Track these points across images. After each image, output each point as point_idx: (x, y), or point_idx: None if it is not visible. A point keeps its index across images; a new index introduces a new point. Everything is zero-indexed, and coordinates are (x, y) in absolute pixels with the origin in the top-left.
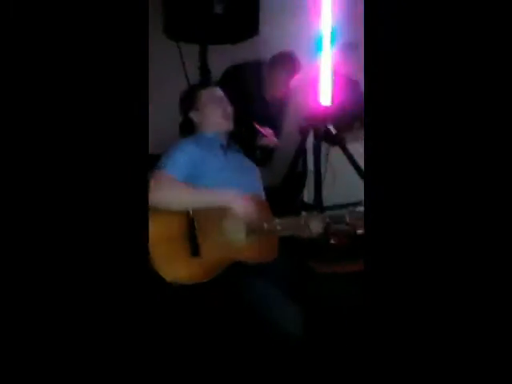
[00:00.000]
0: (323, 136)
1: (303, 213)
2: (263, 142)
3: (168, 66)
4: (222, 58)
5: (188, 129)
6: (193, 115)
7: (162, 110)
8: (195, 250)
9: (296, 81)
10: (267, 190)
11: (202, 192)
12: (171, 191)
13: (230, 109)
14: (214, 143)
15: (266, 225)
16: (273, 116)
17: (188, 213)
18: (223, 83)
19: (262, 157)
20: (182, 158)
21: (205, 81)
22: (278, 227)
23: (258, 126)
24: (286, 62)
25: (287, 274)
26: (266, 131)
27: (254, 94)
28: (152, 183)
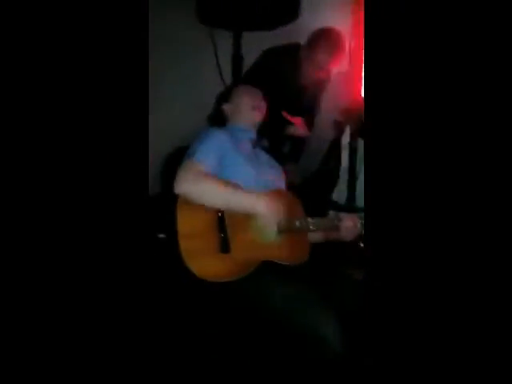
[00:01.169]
0: (360, 131)
1: (331, 212)
2: (293, 131)
3: (200, 54)
4: (257, 45)
5: (218, 121)
6: (225, 107)
7: (193, 100)
8: (225, 247)
9: (335, 68)
10: (295, 186)
11: (233, 192)
12: (203, 185)
13: (262, 100)
14: (244, 136)
15: (297, 222)
16: (307, 104)
17: (218, 208)
18: (258, 67)
19: (291, 150)
20: (214, 146)
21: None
22: (311, 226)
23: (287, 115)
24: (329, 38)
25: (321, 279)
26: (296, 120)
27: (290, 80)
28: (183, 173)
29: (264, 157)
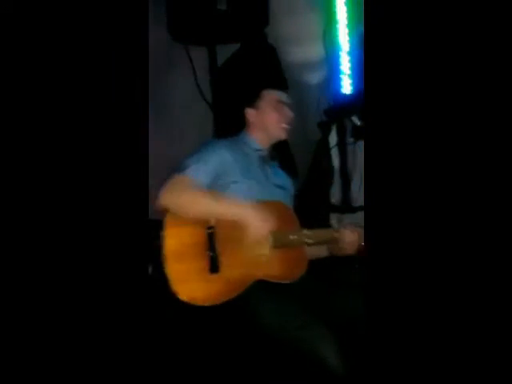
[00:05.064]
0: (348, 129)
1: (336, 223)
2: None
3: (177, 71)
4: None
5: (235, 126)
6: (249, 113)
7: (172, 115)
8: (215, 266)
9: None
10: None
11: (219, 201)
12: (186, 195)
13: (291, 116)
14: (255, 154)
15: (292, 236)
16: None
17: (206, 225)
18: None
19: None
20: (210, 163)
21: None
22: (307, 240)
23: None
24: None
25: (314, 292)
26: None
27: None
28: (168, 185)
29: (273, 176)
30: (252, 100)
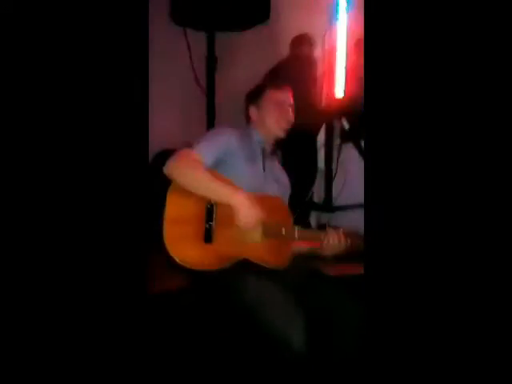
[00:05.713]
0: (336, 131)
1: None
2: None
3: (174, 55)
4: (230, 45)
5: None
6: (252, 110)
7: (166, 101)
8: (209, 237)
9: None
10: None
11: (216, 184)
12: (189, 170)
13: (290, 116)
14: (258, 146)
15: (283, 230)
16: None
17: (207, 200)
18: None
19: None
20: (217, 146)
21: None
22: (296, 236)
23: None
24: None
25: (296, 279)
26: None
27: None
28: (175, 156)
29: (273, 170)
30: (255, 98)
